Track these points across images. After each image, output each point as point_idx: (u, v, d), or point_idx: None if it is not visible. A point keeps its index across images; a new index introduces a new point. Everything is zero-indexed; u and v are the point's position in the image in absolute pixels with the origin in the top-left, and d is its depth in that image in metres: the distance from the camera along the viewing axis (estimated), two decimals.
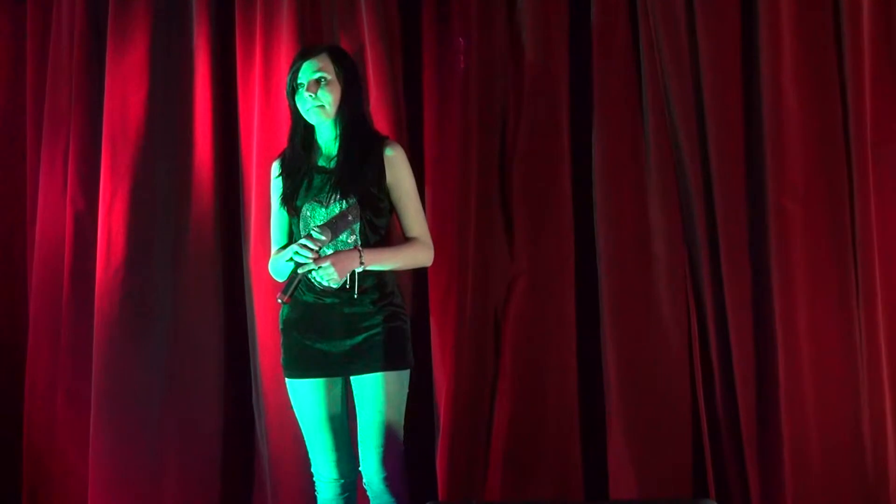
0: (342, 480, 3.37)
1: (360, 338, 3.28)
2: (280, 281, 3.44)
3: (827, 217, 3.66)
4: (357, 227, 3.29)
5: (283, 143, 3.89)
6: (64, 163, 4.12)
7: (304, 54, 3.39)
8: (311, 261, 3.16)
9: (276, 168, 3.48)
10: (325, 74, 3.32)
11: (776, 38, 3.67)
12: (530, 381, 3.77)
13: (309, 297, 3.33)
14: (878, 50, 3.71)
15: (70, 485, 4.06)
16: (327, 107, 3.32)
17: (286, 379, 3.40)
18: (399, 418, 3.30)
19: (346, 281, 3.26)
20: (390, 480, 3.26)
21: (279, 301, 3.18)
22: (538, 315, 3.79)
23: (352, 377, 3.32)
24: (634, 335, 3.74)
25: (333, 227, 3.21)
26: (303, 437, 3.77)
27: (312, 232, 3.18)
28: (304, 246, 3.15)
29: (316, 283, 3.28)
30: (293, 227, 3.40)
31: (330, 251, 3.25)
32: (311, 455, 3.41)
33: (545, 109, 3.81)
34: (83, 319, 4.04)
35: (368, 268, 3.27)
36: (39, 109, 4.19)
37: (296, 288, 3.19)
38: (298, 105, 3.35)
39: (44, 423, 4.10)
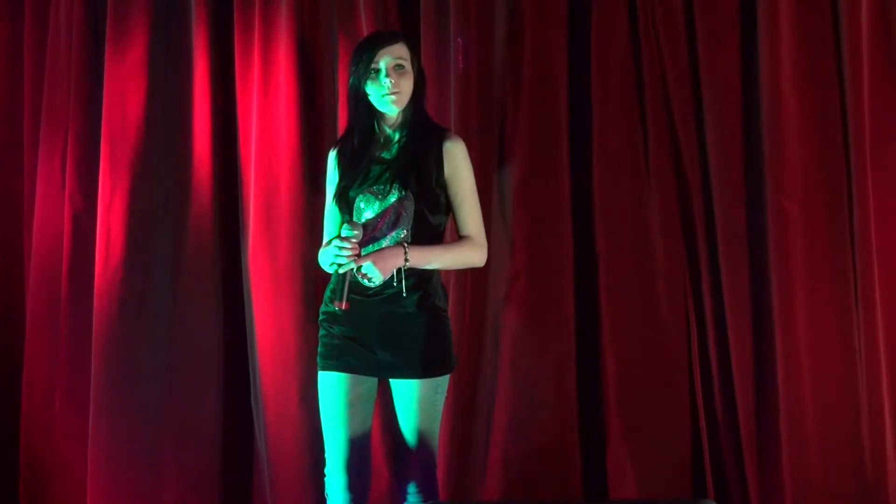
0: (351, 496, 3.18)
1: (398, 341, 3.14)
2: (327, 271, 3.27)
3: (826, 217, 3.67)
4: (410, 222, 3.14)
5: (280, 141, 3.90)
6: (62, 162, 4.11)
7: (380, 40, 3.18)
8: (350, 260, 3.03)
9: (332, 159, 3.30)
10: (403, 62, 3.16)
11: (775, 38, 3.68)
12: (529, 381, 3.77)
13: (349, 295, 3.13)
14: (876, 50, 3.72)
15: (68, 485, 4.06)
16: (404, 95, 3.16)
17: (319, 371, 3.24)
18: (433, 425, 3.18)
19: (391, 277, 3.11)
20: (421, 486, 3.16)
21: (337, 310, 3.07)
22: (537, 315, 3.79)
23: (390, 380, 3.21)
24: (633, 335, 3.75)
25: (372, 222, 3.13)
26: (302, 439, 3.81)
27: (342, 230, 3.06)
28: (340, 246, 3.02)
29: (360, 281, 3.12)
30: (345, 220, 3.20)
31: (384, 244, 3.13)
32: (327, 462, 3.25)
33: (544, 109, 3.80)
34: (81, 319, 4.04)
35: (415, 266, 3.12)
36: (37, 109, 4.18)
37: (348, 291, 3.03)
38: (372, 91, 3.15)
39: (42, 423, 4.09)
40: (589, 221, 3.80)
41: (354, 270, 3.07)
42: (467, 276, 3.74)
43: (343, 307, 3.04)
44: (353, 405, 3.19)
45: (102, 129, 4.01)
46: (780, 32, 3.69)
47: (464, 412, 3.75)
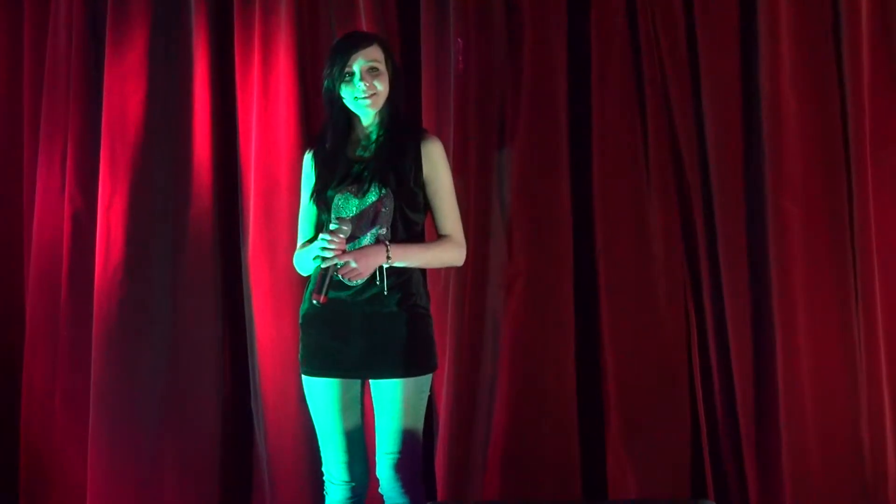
0: (353, 484, 3.22)
1: (380, 341, 3.13)
2: (303, 274, 3.33)
3: (825, 218, 3.67)
4: (389, 220, 3.15)
5: (280, 141, 3.90)
6: (62, 162, 4.11)
7: (355, 43, 3.19)
8: (335, 256, 3.03)
9: (308, 160, 3.31)
10: (377, 64, 3.16)
11: (775, 39, 3.67)
12: (529, 381, 3.77)
13: (330, 294, 3.12)
14: (876, 51, 3.72)
15: (68, 486, 4.06)
16: (379, 97, 3.17)
17: (302, 376, 3.26)
18: (417, 424, 3.18)
19: (373, 276, 3.12)
20: (406, 488, 3.15)
21: (315, 302, 3.04)
22: (537, 315, 3.78)
23: (370, 380, 3.21)
24: (633, 335, 3.75)
25: (356, 220, 3.12)
26: (302, 438, 3.78)
27: (331, 225, 3.07)
28: (328, 240, 3.03)
29: (341, 280, 3.12)
30: (323, 219, 3.24)
31: (364, 242, 3.13)
32: (322, 455, 3.27)
33: (544, 110, 3.80)
34: (81, 319, 4.04)
35: (395, 264, 3.12)
36: (37, 109, 4.18)
37: (328, 286, 3.03)
38: (347, 93, 3.17)
39: (41, 424, 4.09)
40: (588, 221, 3.80)
41: (336, 267, 3.07)
42: (467, 275, 3.73)
43: (322, 300, 3.04)
44: (346, 408, 3.21)
45: (102, 129, 4.01)
46: (780, 32, 3.68)
47: (463, 412, 3.74)
